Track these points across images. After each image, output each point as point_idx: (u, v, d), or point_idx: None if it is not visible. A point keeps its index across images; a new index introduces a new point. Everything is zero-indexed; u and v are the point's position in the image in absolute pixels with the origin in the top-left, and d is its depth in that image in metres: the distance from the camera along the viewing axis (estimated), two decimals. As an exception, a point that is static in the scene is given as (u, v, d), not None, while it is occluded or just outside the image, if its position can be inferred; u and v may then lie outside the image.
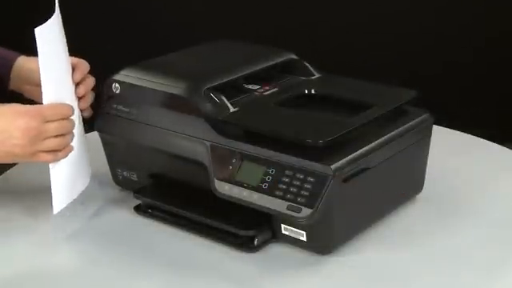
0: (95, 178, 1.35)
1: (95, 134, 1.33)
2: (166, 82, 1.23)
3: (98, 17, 3.10)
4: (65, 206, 1.24)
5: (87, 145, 1.29)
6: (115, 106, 1.28)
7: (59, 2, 1.16)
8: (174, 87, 1.21)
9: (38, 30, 1.12)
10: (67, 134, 1.19)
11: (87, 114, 1.27)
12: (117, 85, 1.27)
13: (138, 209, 1.28)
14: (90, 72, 1.26)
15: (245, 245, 1.16)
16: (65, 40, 1.20)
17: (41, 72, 1.15)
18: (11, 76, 1.33)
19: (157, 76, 1.25)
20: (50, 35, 1.15)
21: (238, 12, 3.05)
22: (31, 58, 1.32)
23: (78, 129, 1.22)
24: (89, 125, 1.34)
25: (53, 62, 1.17)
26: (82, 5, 3.03)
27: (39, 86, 1.16)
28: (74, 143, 1.21)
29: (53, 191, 1.21)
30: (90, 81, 1.25)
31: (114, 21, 3.12)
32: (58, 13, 1.17)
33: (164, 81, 1.23)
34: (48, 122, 1.16)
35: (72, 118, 1.19)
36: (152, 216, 1.26)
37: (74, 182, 1.26)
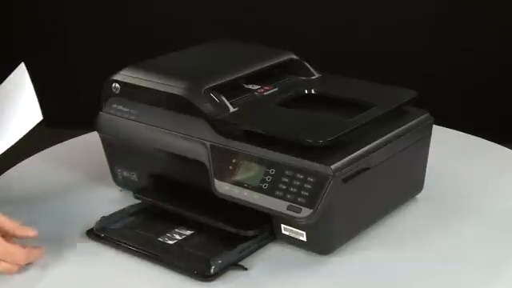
0: (95, 178, 1.35)
1: (95, 134, 1.33)
2: (166, 82, 1.23)
3: (98, 17, 3.10)
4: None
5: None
6: (115, 106, 1.28)
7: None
8: (174, 87, 1.21)
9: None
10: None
11: None
12: (117, 85, 1.28)
13: (90, 233, 1.20)
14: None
15: (199, 273, 1.09)
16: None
17: None
18: None
19: (157, 76, 1.25)
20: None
21: (238, 12, 3.05)
22: None
23: None
24: (89, 125, 1.34)
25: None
26: (81, 5, 3.04)
27: None
28: None
29: None
30: None
31: (114, 20, 3.12)
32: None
33: (164, 81, 1.23)
34: None
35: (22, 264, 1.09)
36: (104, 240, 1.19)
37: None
